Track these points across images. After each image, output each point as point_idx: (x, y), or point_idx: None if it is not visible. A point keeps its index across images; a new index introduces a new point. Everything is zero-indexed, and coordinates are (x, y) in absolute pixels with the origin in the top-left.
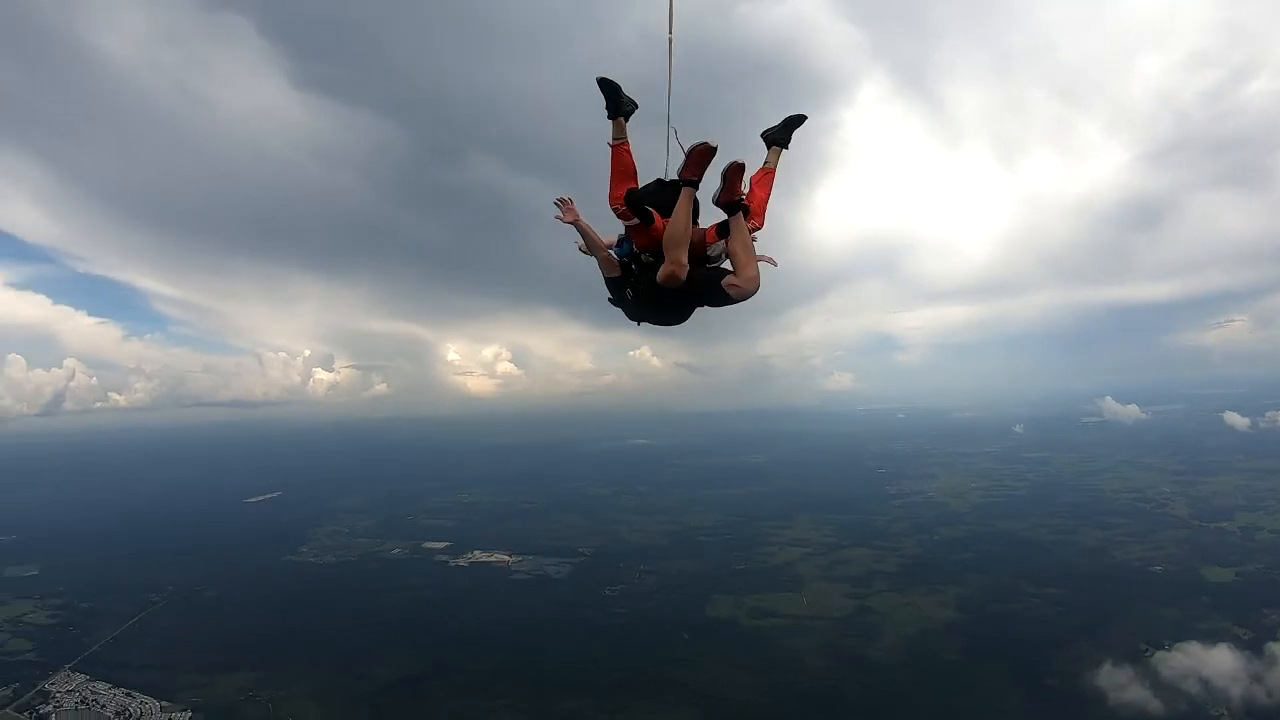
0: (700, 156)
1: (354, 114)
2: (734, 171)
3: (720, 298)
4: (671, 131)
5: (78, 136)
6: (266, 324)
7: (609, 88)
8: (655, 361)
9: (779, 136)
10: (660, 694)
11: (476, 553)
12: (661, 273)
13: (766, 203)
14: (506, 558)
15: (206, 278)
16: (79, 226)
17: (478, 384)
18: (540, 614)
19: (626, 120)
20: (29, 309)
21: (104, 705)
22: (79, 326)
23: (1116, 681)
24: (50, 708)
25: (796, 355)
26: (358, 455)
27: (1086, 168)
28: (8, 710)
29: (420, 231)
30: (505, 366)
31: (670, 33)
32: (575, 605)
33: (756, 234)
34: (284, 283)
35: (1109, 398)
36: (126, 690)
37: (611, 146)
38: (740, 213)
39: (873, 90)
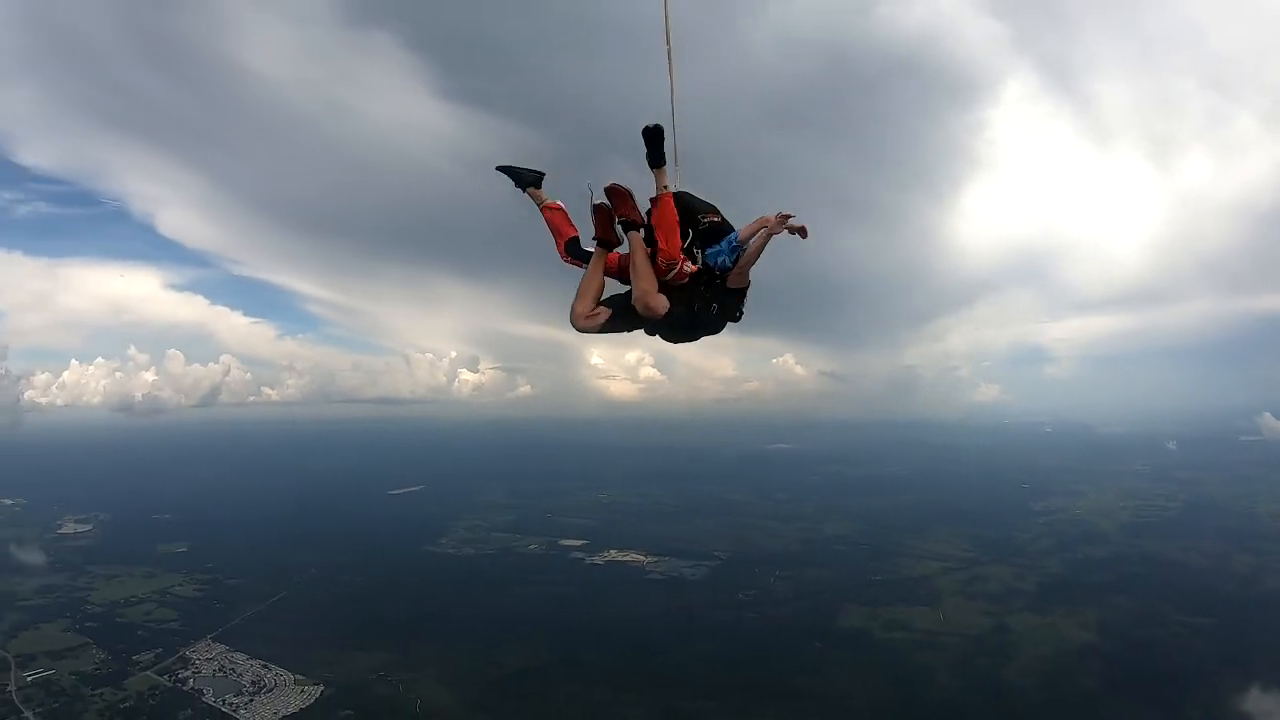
0: (602, 214)
1: (496, 122)
2: (613, 194)
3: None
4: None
5: (233, 148)
6: (413, 325)
7: (509, 171)
8: (799, 369)
9: (650, 157)
10: (786, 701)
11: (612, 551)
12: (635, 302)
13: (674, 227)
14: (642, 558)
15: (356, 280)
16: (235, 232)
17: (620, 388)
18: (672, 614)
19: (539, 188)
20: (188, 309)
21: (240, 674)
22: (234, 325)
23: (1264, 708)
24: (189, 673)
25: (943, 365)
26: (500, 453)
27: (1244, 164)
28: (149, 673)
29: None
30: (648, 371)
31: (668, 44)
32: (707, 607)
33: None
34: (430, 286)
35: (1268, 414)
36: (263, 662)
37: (541, 210)
38: (637, 230)
39: (1019, 88)
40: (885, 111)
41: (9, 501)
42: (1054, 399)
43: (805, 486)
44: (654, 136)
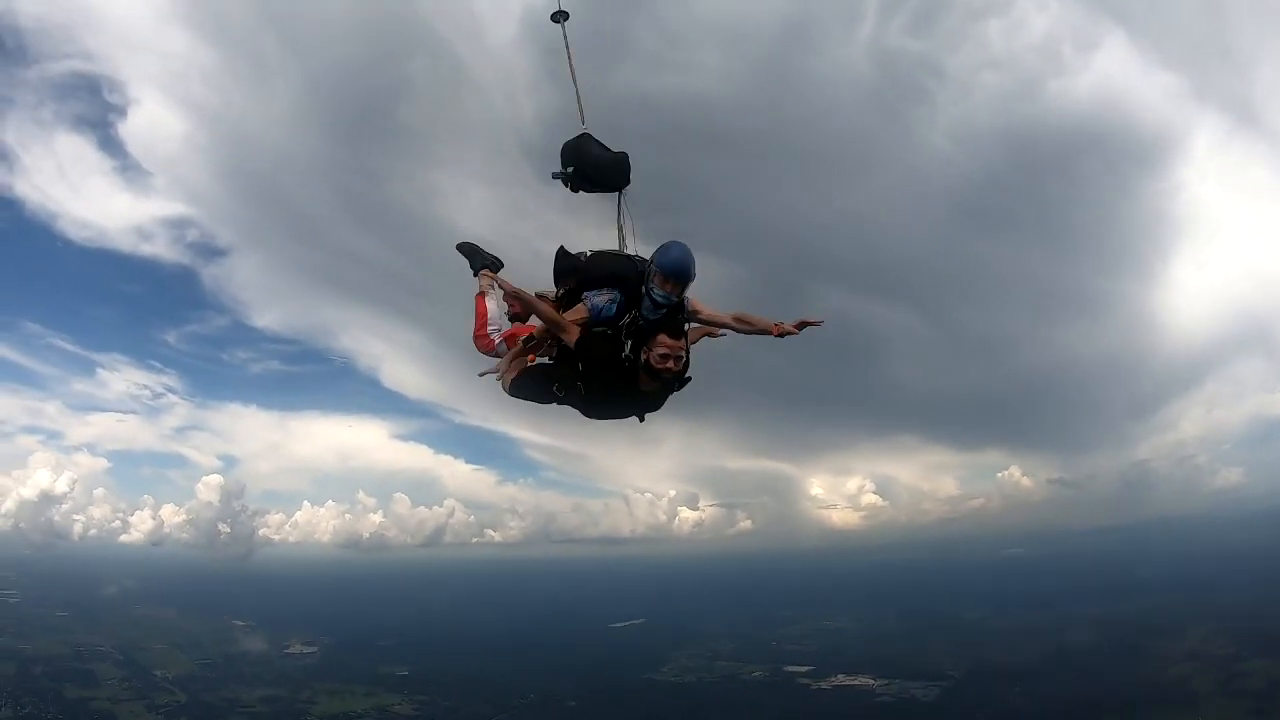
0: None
1: (700, 260)
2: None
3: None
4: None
5: (447, 304)
6: (631, 466)
7: (468, 251)
8: (1025, 481)
9: (473, 264)
10: None
11: (840, 676)
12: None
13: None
14: (871, 681)
15: (573, 425)
16: (453, 384)
17: (842, 516)
18: None
19: (495, 273)
20: (413, 457)
21: None
22: (457, 472)
23: None
24: None
25: (1178, 455)
26: (722, 586)
27: None
28: None
29: (773, 367)
30: (869, 498)
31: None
32: None
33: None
34: (646, 427)
35: None
36: None
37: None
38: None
39: (1207, 137)
40: (1075, 193)
41: (240, 622)
42: None
43: (1042, 597)
44: (465, 251)
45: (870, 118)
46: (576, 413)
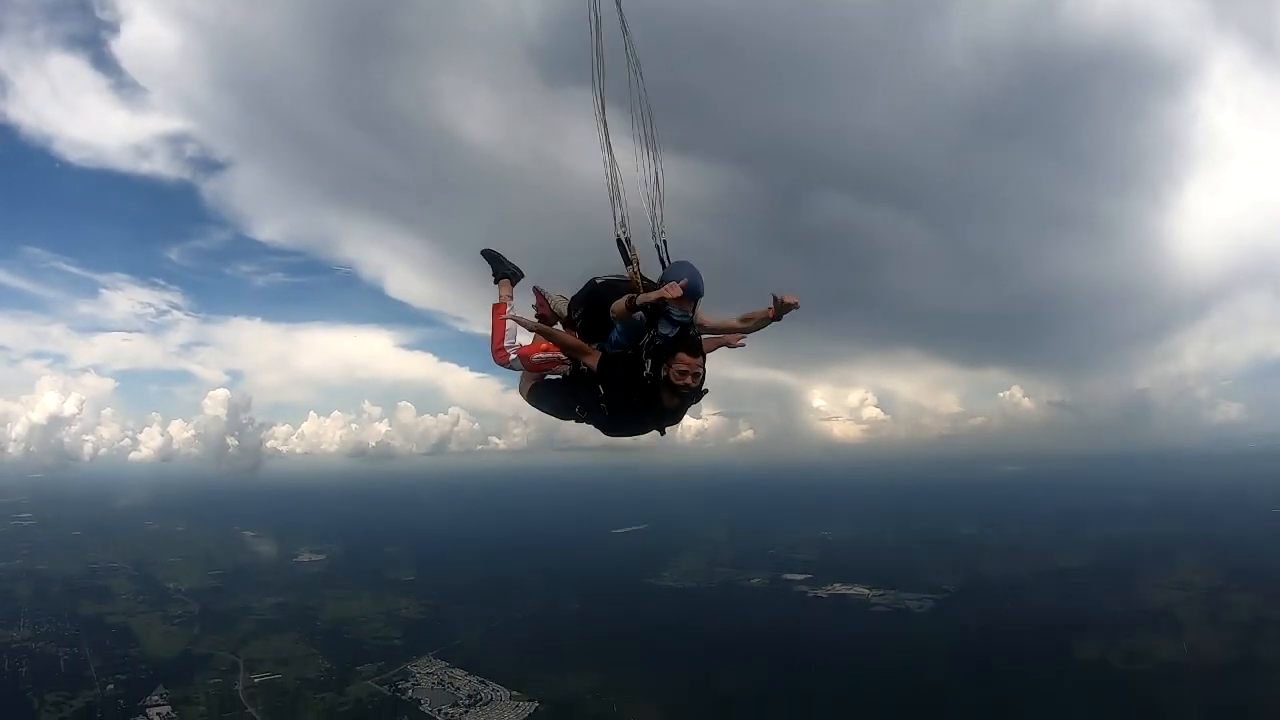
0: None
1: (702, 167)
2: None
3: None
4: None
5: (451, 210)
6: None
7: (491, 258)
8: (1026, 402)
9: (495, 271)
10: None
11: (836, 585)
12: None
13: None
14: (866, 591)
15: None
16: (457, 291)
17: (843, 429)
18: (897, 645)
19: (513, 284)
20: (418, 366)
21: (458, 688)
22: (461, 381)
23: None
24: (409, 684)
25: (1178, 387)
26: (724, 494)
27: None
28: (370, 682)
29: (777, 274)
30: (871, 411)
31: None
32: (935, 638)
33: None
34: None
35: None
36: (481, 678)
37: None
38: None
39: (1226, 65)
40: (1090, 113)
41: (250, 533)
42: None
43: (1037, 517)
44: (488, 257)
45: (885, 29)
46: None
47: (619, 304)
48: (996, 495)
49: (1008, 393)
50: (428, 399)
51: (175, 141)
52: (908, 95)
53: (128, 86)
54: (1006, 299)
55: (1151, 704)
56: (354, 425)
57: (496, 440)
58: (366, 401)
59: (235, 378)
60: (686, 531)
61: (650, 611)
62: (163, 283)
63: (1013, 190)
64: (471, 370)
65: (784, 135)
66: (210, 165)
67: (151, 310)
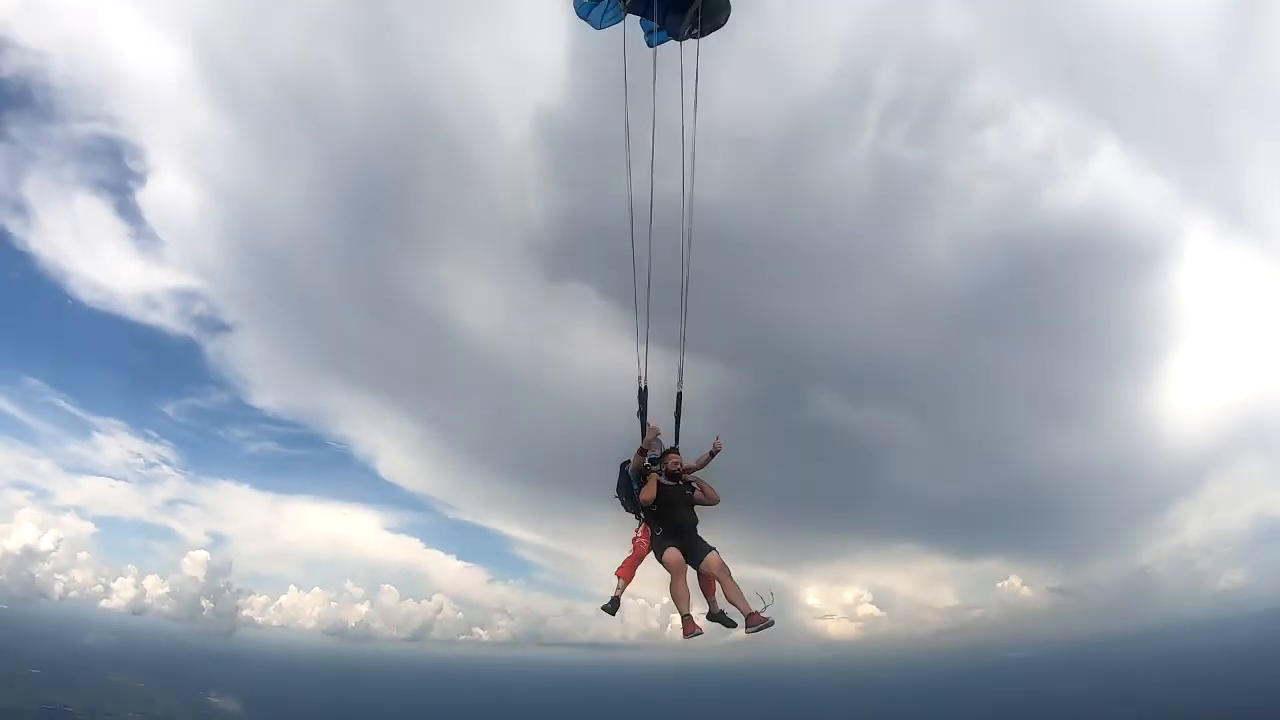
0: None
1: (696, 364)
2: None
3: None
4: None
5: (447, 397)
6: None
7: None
8: (1025, 590)
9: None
10: None
11: None
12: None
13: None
14: None
15: (567, 525)
16: (449, 478)
17: (839, 627)
18: None
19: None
20: (404, 551)
21: None
22: (447, 568)
23: None
24: None
25: (1179, 560)
26: (717, 697)
27: None
28: None
29: (769, 472)
30: (866, 608)
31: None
32: None
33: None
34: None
35: None
36: None
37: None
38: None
39: (1198, 237)
40: (1070, 297)
41: (215, 699)
42: None
43: (1045, 703)
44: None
45: (870, 225)
46: (568, 514)
47: (636, 461)
48: (1000, 684)
49: (1005, 582)
50: (412, 583)
51: (185, 298)
52: (894, 291)
53: (146, 237)
54: (1000, 486)
55: None
56: (334, 603)
57: (480, 631)
58: (349, 581)
59: (217, 540)
60: None
61: None
62: (155, 435)
63: (999, 377)
64: (459, 558)
65: (777, 333)
66: (216, 325)
67: (141, 461)
